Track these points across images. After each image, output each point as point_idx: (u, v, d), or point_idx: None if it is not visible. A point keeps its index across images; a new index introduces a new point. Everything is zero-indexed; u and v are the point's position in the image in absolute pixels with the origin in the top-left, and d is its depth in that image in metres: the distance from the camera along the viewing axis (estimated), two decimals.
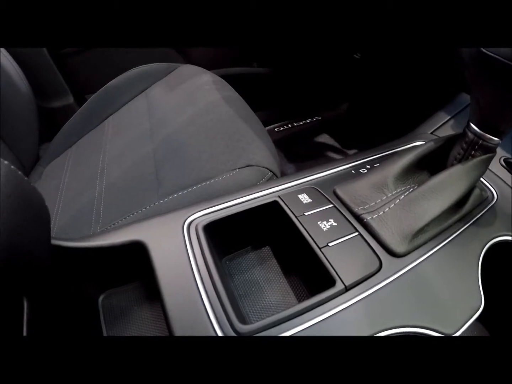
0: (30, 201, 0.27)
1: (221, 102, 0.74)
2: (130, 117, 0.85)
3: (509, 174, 0.51)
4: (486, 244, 0.40)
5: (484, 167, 0.41)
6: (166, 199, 0.56)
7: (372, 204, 0.41)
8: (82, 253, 0.37)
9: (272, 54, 1.32)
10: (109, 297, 0.42)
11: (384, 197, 0.41)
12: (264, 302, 0.38)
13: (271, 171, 0.57)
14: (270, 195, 0.44)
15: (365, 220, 0.39)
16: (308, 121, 1.33)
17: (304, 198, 0.42)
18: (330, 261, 0.35)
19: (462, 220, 0.42)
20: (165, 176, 0.61)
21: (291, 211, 0.40)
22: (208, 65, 1.19)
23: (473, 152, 0.41)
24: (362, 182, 0.43)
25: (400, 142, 0.55)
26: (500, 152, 0.54)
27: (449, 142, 0.44)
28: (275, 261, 0.43)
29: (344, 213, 0.41)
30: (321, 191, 0.44)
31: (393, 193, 0.41)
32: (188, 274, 0.34)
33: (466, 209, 0.42)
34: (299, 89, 1.37)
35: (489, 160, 0.41)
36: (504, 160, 0.52)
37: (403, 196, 0.40)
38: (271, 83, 1.32)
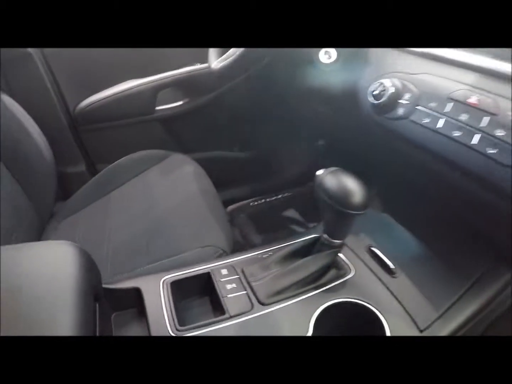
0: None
1: (197, 193, 1.05)
2: (129, 195, 1.12)
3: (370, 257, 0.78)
4: (325, 303, 0.67)
5: (329, 257, 0.69)
6: (151, 265, 0.85)
7: (258, 276, 0.70)
8: (110, 290, 0.67)
9: (252, 141, 1.59)
10: (118, 315, 0.71)
11: (266, 273, 0.71)
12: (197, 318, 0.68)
13: (223, 250, 0.87)
14: (206, 268, 0.74)
15: (252, 284, 0.69)
16: (279, 196, 1.58)
17: (225, 271, 0.73)
18: (226, 304, 0.65)
19: (316, 288, 0.70)
20: (152, 249, 0.90)
21: (214, 277, 0.70)
22: (198, 147, 1.48)
23: (322, 248, 0.70)
24: (259, 264, 0.73)
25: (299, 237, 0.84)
26: (368, 241, 0.81)
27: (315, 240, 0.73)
28: (208, 299, 0.73)
29: (242, 281, 0.70)
30: (235, 268, 0.73)
31: (273, 270, 0.71)
32: (161, 305, 0.65)
33: (321, 282, 0.70)
34: (274, 169, 1.63)
35: (334, 253, 0.69)
36: (369, 247, 0.80)
37: (277, 272, 0.69)
38: (249, 164, 1.59)
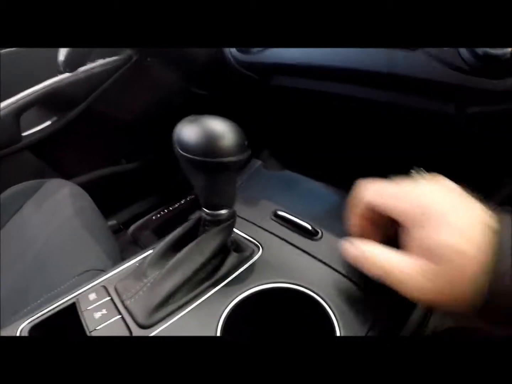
0: None
1: (74, 217, 0.92)
2: (6, 238, 0.97)
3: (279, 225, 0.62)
4: (231, 302, 0.50)
5: (220, 236, 0.51)
6: (27, 309, 0.70)
7: (133, 290, 0.50)
8: None
9: (138, 150, 1.45)
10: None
11: (142, 284, 0.50)
12: None
13: (103, 271, 0.69)
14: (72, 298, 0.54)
15: (126, 303, 0.49)
16: (182, 202, 1.45)
17: (93, 296, 0.52)
18: None
19: (214, 285, 0.52)
20: (33, 289, 0.76)
21: (80, 308, 0.50)
22: (81, 169, 1.31)
23: (206, 227, 0.51)
24: (133, 274, 0.53)
25: None
26: (273, 206, 0.65)
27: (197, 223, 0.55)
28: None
29: (116, 303, 0.50)
30: (107, 288, 0.53)
31: (148, 278, 0.51)
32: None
33: (220, 274, 0.52)
34: (169, 175, 1.49)
35: (224, 229, 0.51)
36: (274, 214, 0.63)
37: (153, 280, 0.50)
38: (142, 175, 1.45)
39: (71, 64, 0.87)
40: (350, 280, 0.52)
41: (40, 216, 0.98)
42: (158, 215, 1.41)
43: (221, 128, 0.44)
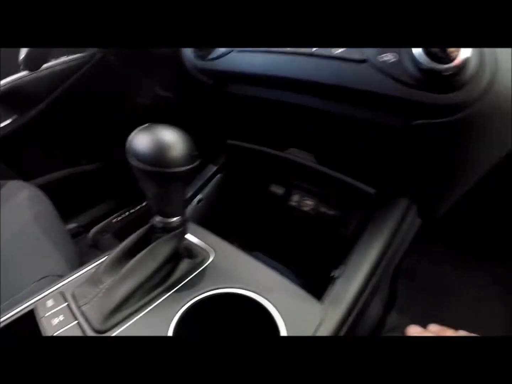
0: None
1: (32, 220, 0.90)
2: None
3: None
4: (182, 306, 0.51)
5: (172, 243, 0.52)
6: None
7: (89, 296, 0.51)
8: None
9: (99, 150, 1.44)
10: None
11: (97, 289, 0.52)
12: None
13: (61, 276, 0.67)
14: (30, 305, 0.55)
15: (83, 308, 0.50)
16: (143, 204, 1.44)
17: (50, 302, 0.53)
18: None
19: (167, 290, 0.53)
20: None
21: (38, 315, 0.51)
22: (42, 170, 1.29)
23: (158, 235, 0.53)
24: (90, 280, 0.55)
25: None
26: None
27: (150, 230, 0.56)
28: None
29: (73, 308, 0.51)
30: (65, 294, 0.54)
31: (104, 285, 0.52)
32: None
33: (172, 280, 0.53)
34: (131, 176, 1.48)
35: (176, 236, 0.53)
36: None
37: (107, 286, 0.51)
38: (104, 176, 1.44)
39: (31, 63, 0.85)
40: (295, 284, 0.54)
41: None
42: (119, 218, 1.40)
43: (170, 139, 0.46)
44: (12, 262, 0.80)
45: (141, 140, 0.45)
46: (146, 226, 0.56)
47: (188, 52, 0.65)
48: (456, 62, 0.40)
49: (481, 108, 0.44)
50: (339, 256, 0.63)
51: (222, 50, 0.57)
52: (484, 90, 0.43)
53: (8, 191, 1.03)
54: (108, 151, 1.44)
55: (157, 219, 0.52)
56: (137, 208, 1.44)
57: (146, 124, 0.48)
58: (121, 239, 1.24)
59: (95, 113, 1.37)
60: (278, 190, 0.83)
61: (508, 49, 0.44)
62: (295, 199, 0.83)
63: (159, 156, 0.44)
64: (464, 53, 0.40)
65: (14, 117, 1.26)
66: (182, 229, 0.53)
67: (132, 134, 0.47)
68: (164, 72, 0.90)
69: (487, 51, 0.43)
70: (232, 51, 0.56)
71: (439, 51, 0.40)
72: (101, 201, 1.44)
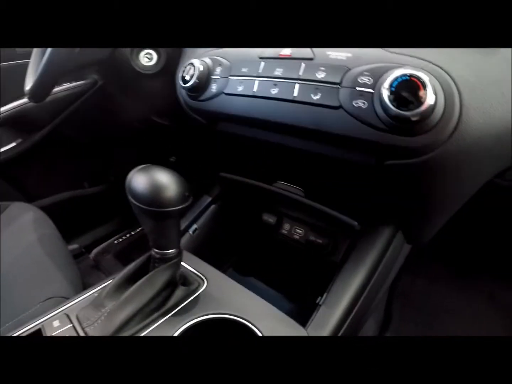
0: None
1: (36, 242, 0.93)
2: None
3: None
4: (177, 330, 0.55)
5: (168, 272, 0.57)
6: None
7: (92, 319, 0.56)
8: None
9: (101, 173, 1.49)
10: None
11: (100, 313, 0.56)
12: None
13: (66, 298, 0.74)
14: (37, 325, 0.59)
15: (86, 330, 0.55)
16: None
17: (57, 323, 0.57)
18: None
19: (163, 315, 0.57)
20: None
21: (45, 334, 0.56)
22: (44, 192, 1.33)
23: (156, 265, 0.57)
24: (93, 303, 0.59)
25: None
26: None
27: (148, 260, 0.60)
28: None
29: (77, 329, 0.56)
30: (69, 316, 0.59)
31: (106, 308, 0.56)
32: None
33: (168, 306, 0.58)
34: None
35: (171, 266, 0.57)
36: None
37: (109, 310, 0.55)
38: (105, 199, 1.48)
39: (37, 95, 0.89)
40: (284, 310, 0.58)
41: (2, 241, 0.98)
42: (120, 240, 1.44)
43: (165, 181, 0.51)
44: (17, 283, 0.84)
45: (139, 181, 0.50)
46: (145, 256, 0.61)
47: (182, 91, 0.69)
48: (423, 107, 0.43)
49: (450, 148, 0.47)
50: (327, 283, 0.66)
51: (212, 92, 0.62)
52: (452, 132, 0.46)
53: (12, 213, 1.07)
54: (110, 174, 1.48)
55: (154, 250, 0.56)
56: (137, 231, 1.48)
57: (143, 165, 0.52)
58: (122, 260, 1.30)
59: (96, 137, 1.42)
60: (270, 219, 0.88)
61: (474, 90, 0.46)
62: (286, 227, 0.88)
63: (154, 196, 0.49)
64: (430, 99, 0.44)
65: (19, 140, 1.30)
66: (177, 259, 0.58)
67: (131, 174, 0.52)
68: (160, 103, 0.95)
69: (454, 93, 0.46)
70: (221, 93, 0.60)
71: (408, 95, 0.44)
72: (102, 222, 1.48)
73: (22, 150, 1.29)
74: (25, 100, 1.27)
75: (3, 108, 1.24)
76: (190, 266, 0.67)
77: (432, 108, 0.44)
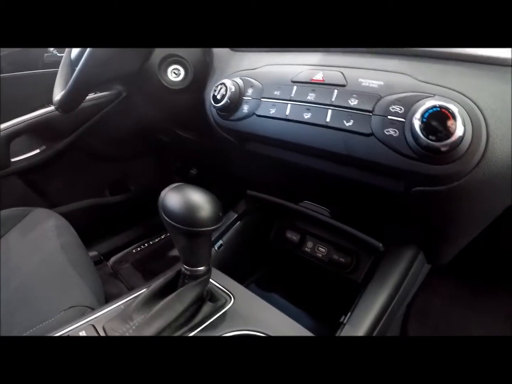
0: None
1: (60, 250, 0.94)
2: None
3: None
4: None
5: (197, 289, 0.59)
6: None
7: (120, 331, 0.58)
8: None
9: (122, 183, 1.52)
10: None
11: (128, 325, 0.58)
12: None
13: (90, 307, 0.76)
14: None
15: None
16: (163, 236, 1.51)
17: (83, 333, 0.59)
18: None
19: (191, 330, 0.59)
20: (17, 321, 0.78)
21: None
22: (65, 198, 1.36)
23: (186, 281, 0.59)
24: (120, 316, 0.61)
25: None
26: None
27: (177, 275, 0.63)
28: None
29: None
30: (96, 327, 0.61)
31: (134, 322, 0.58)
32: None
33: (196, 321, 0.60)
34: (151, 209, 1.55)
35: (201, 283, 0.59)
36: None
37: (137, 323, 0.57)
38: (125, 208, 1.51)
39: (65, 107, 0.91)
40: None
41: (25, 246, 1.00)
42: (138, 249, 1.46)
43: (200, 201, 0.53)
44: (39, 289, 0.84)
45: (173, 200, 0.52)
46: (174, 271, 0.63)
47: (212, 110, 0.72)
48: (453, 138, 0.45)
49: (476, 176, 0.48)
50: (350, 302, 0.68)
51: (244, 112, 0.64)
52: (478, 161, 0.48)
53: (34, 218, 1.09)
54: (131, 184, 1.52)
55: (185, 267, 0.59)
56: (155, 240, 1.50)
57: (176, 184, 0.55)
58: (140, 270, 1.31)
59: (118, 147, 1.45)
60: (293, 236, 0.90)
61: (501, 121, 0.48)
62: (309, 245, 0.90)
63: (189, 216, 0.51)
64: (459, 130, 0.45)
65: (43, 147, 1.34)
66: (206, 277, 0.60)
67: (164, 192, 0.54)
68: (185, 118, 0.97)
69: (481, 124, 0.47)
70: (253, 115, 0.62)
71: (438, 125, 0.46)
72: (121, 231, 1.51)
73: (46, 157, 1.33)
74: (51, 108, 1.30)
75: (30, 115, 1.27)
76: (217, 282, 0.69)
77: (461, 139, 0.45)
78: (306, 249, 0.91)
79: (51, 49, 1.38)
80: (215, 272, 0.69)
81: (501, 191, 0.54)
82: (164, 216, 0.53)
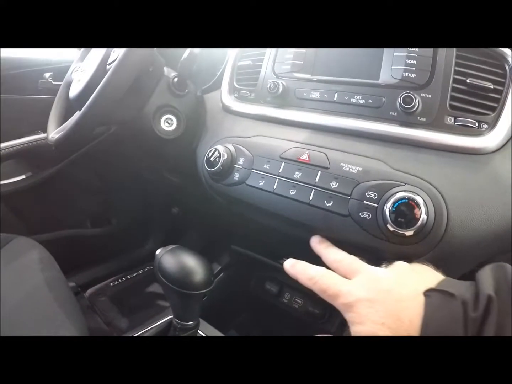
0: None
1: (43, 284, 0.95)
2: None
3: None
4: None
5: None
6: None
7: None
8: None
9: (104, 215, 1.56)
10: None
11: None
12: None
13: None
14: None
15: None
16: (140, 271, 1.55)
17: None
18: None
19: None
20: None
21: None
22: (46, 227, 1.40)
23: (176, 332, 0.65)
24: None
25: None
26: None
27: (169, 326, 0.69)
28: None
29: None
30: None
31: None
32: None
33: None
34: (131, 243, 1.61)
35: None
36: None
37: None
38: (105, 240, 1.55)
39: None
40: None
41: (6, 276, 0.98)
42: (116, 282, 1.47)
43: (194, 265, 0.59)
44: (24, 325, 0.84)
45: (170, 263, 0.59)
46: (165, 322, 0.70)
47: (205, 172, 0.76)
48: (417, 225, 0.53)
49: (437, 254, 0.56)
50: None
51: (235, 180, 0.69)
52: (438, 242, 0.55)
53: (16, 247, 1.08)
54: (111, 217, 1.56)
55: (176, 320, 0.65)
56: (133, 275, 1.52)
57: (171, 246, 0.61)
58: (117, 304, 1.34)
59: (103, 180, 1.50)
60: (272, 288, 0.97)
61: (460, 207, 0.55)
62: (286, 297, 0.97)
63: (184, 280, 0.58)
64: (423, 218, 0.53)
65: (28, 174, 1.38)
66: (195, 330, 0.66)
67: (160, 253, 0.60)
68: (173, 164, 1.00)
69: (443, 210, 0.54)
70: (243, 183, 0.68)
71: (405, 211, 0.53)
72: (100, 262, 1.53)
73: (31, 183, 1.36)
74: (40, 136, 1.35)
75: (20, 141, 1.31)
76: (204, 333, 0.74)
77: (423, 225, 0.53)
78: (284, 300, 0.99)
79: (47, 75, 1.41)
80: (202, 323, 0.74)
81: (462, 262, 0.62)
82: (160, 276, 0.59)
